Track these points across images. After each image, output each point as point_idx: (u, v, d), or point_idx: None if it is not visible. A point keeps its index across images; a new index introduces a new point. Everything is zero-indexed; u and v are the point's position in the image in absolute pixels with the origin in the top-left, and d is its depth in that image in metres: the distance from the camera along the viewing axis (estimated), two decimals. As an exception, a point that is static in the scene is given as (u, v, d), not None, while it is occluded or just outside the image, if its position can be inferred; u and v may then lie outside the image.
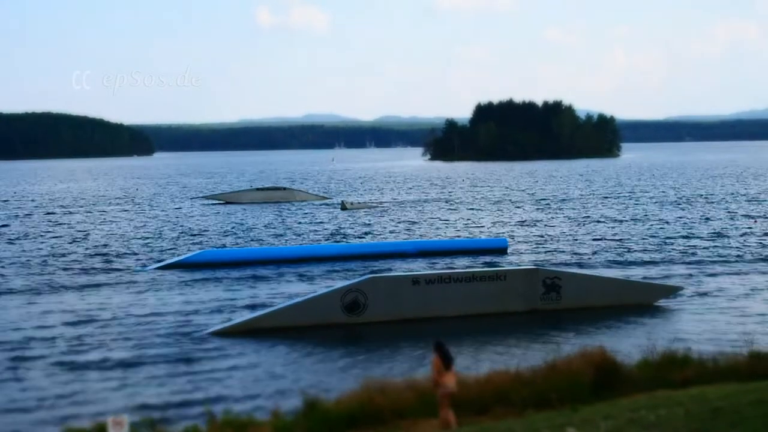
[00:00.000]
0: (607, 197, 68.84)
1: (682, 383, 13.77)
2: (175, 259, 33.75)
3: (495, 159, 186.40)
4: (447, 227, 46.96)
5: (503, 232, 42.99)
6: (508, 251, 35.52)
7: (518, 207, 60.59)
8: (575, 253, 34.84)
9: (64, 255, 36.50)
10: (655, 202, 62.24)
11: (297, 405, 13.63)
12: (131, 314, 23.59)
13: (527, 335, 20.73)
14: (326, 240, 41.28)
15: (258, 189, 75.34)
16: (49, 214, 60.52)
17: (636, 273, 29.51)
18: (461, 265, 32.05)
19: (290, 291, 26.89)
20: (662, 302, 23.93)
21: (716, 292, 25.73)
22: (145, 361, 18.60)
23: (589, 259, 33.31)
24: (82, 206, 68.04)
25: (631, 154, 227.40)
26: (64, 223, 52.19)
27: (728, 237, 39.76)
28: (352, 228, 46.60)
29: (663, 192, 74.37)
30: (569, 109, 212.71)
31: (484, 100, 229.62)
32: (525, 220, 49.86)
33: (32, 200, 77.24)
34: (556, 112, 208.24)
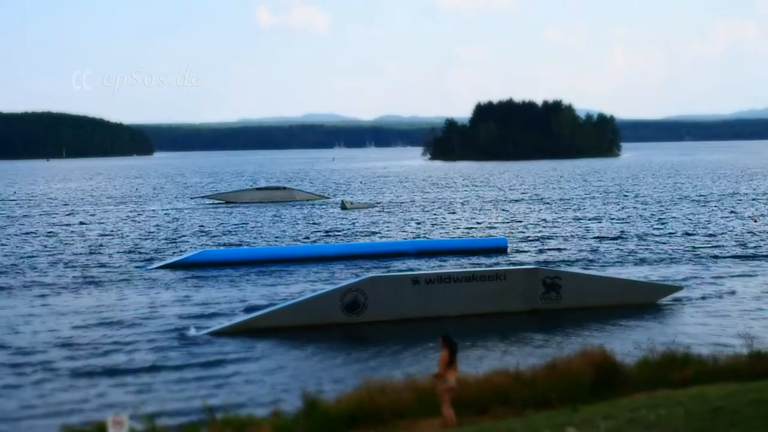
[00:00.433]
0: (607, 196, 68.83)
1: (682, 383, 13.76)
2: (175, 258, 33.75)
3: (495, 159, 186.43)
4: (447, 227, 46.95)
5: (503, 232, 42.96)
6: (508, 251, 35.52)
7: (518, 206, 60.58)
8: (575, 253, 34.83)
9: (63, 255, 36.49)
10: (655, 202, 62.24)
11: (297, 404, 13.62)
12: (130, 314, 23.57)
13: (527, 335, 20.72)
14: (326, 240, 41.27)
15: (258, 188, 75.35)
16: (48, 214, 60.50)
17: (636, 272, 29.50)
18: (461, 264, 32.04)
19: (290, 291, 26.88)
20: (662, 302, 23.92)
21: (716, 292, 25.72)
22: (144, 360, 18.59)
23: (590, 258, 33.29)
24: (81, 206, 68.01)
25: (631, 153, 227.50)
26: (64, 223, 52.17)
27: (729, 236, 39.74)
28: (352, 227, 46.60)
29: (662, 191, 74.37)
30: (569, 109, 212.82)
31: (484, 99, 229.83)
32: (525, 220, 49.85)
33: (31, 199, 77.23)
34: (556, 111, 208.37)
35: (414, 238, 40.99)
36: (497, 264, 31.67)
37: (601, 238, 39.72)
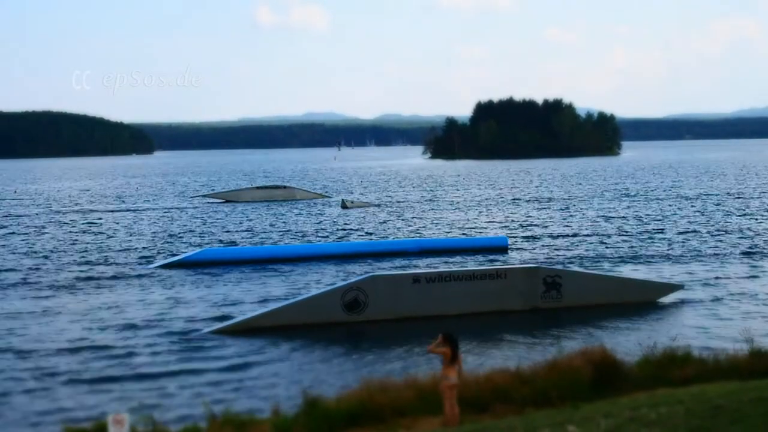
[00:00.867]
0: (607, 195, 68.82)
1: (683, 381, 13.76)
2: (176, 257, 33.73)
3: (495, 157, 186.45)
4: (447, 225, 46.94)
5: (503, 231, 42.96)
6: (509, 249, 35.51)
7: (518, 205, 60.59)
8: (576, 251, 34.83)
9: (63, 253, 36.49)
10: (656, 200, 62.24)
11: (297, 403, 13.62)
12: (131, 312, 23.58)
13: (528, 333, 20.72)
14: (326, 238, 41.27)
15: (258, 187, 75.32)
16: (47, 213, 60.50)
17: (637, 271, 29.50)
18: (462, 263, 32.03)
19: (290, 290, 26.88)
20: (663, 300, 23.92)
21: (717, 290, 25.72)
22: (144, 359, 18.60)
23: (590, 257, 33.29)
24: (81, 205, 68.02)
25: (631, 152, 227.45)
26: (63, 222, 52.18)
27: (729, 234, 39.73)
28: (353, 226, 46.60)
29: (663, 189, 74.35)
30: (569, 108, 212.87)
31: (484, 98, 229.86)
32: (525, 218, 49.84)
33: (31, 199, 77.26)
34: (557, 110, 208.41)
35: (414, 236, 40.98)
36: (498, 262, 31.67)
37: (601, 237, 39.70)
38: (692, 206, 56.52)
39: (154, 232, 45.18)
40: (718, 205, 57.39)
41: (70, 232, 46.19)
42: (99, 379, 17.16)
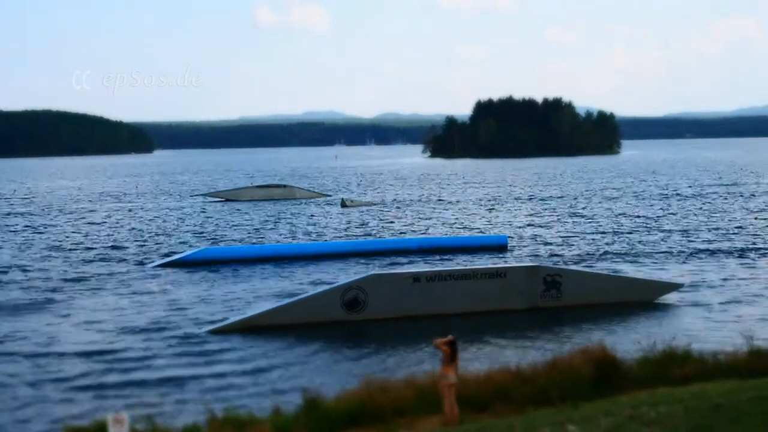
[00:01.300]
0: (607, 194, 68.83)
1: (683, 380, 13.77)
2: (176, 256, 33.73)
3: (495, 156, 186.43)
4: (447, 224, 46.94)
5: (503, 229, 42.95)
6: (508, 248, 35.51)
7: (518, 204, 60.59)
8: (576, 250, 34.84)
9: (62, 253, 36.49)
10: (656, 199, 62.24)
11: (297, 403, 13.63)
12: (130, 312, 23.58)
13: (528, 332, 20.73)
14: (326, 237, 41.26)
15: (258, 186, 75.31)
16: (47, 212, 60.50)
17: (636, 270, 29.50)
18: (461, 262, 32.03)
19: (290, 289, 26.88)
20: (663, 299, 23.93)
21: (717, 289, 25.73)
22: (145, 358, 18.60)
23: (590, 256, 33.30)
24: (80, 204, 68.02)
25: (631, 151, 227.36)
26: (63, 221, 52.18)
27: (729, 233, 39.74)
28: (352, 225, 46.60)
29: (663, 188, 74.35)
30: (569, 107, 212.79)
31: (484, 97, 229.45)
32: (525, 217, 49.85)
33: (31, 198, 77.23)
34: (556, 109, 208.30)
35: (414, 235, 40.98)
36: (498, 261, 31.67)
37: (601, 236, 39.71)
38: (692, 205, 56.51)
39: (154, 231, 45.18)
40: (717, 204, 57.38)
41: (69, 231, 46.18)
42: (98, 378, 17.15)
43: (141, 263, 33.16)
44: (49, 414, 14.94)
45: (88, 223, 50.94)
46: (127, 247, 38.15)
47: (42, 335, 20.93)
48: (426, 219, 50.21)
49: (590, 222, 46.44)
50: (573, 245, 36.56)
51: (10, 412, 15.13)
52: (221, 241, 40.69)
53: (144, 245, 39.02)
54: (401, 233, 42.51)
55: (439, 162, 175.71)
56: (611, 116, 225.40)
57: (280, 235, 42.92)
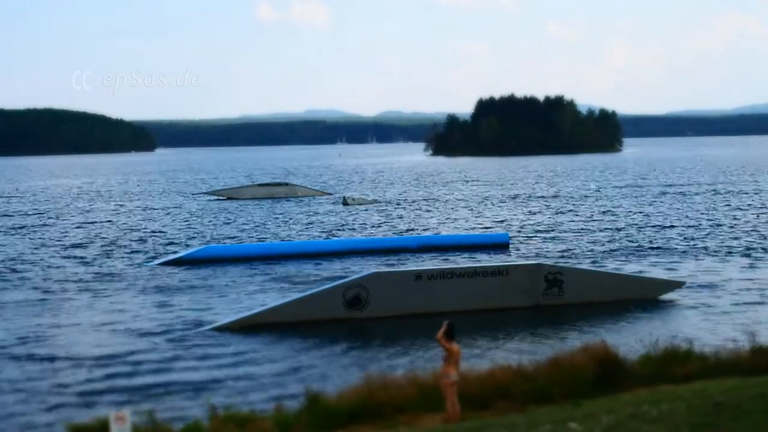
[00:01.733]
0: (608, 191, 68.79)
1: (684, 378, 13.77)
2: (178, 254, 33.75)
3: (497, 154, 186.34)
4: (449, 222, 46.95)
5: (505, 227, 42.95)
6: (510, 246, 35.51)
7: (520, 202, 60.57)
8: (577, 248, 34.83)
9: (63, 251, 36.52)
10: (658, 197, 62.20)
11: (299, 400, 13.64)
12: (132, 310, 23.60)
13: (529, 330, 20.74)
14: (327, 235, 41.27)
15: (260, 185, 75.30)
16: (47, 210, 60.52)
17: (638, 268, 29.50)
18: (463, 260, 32.03)
19: (292, 287, 26.90)
20: (664, 297, 23.92)
21: (719, 287, 25.71)
22: (147, 356, 18.61)
23: (592, 254, 33.29)
24: (82, 203, 68.04)
25: (633, 149, 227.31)
26: (65, 220, 52.20)
27: (731, 231, 39.72)
28: (354, 223, 46.60)
29: (665, 186, 74.30)
30: (571, 104, 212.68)
31: (485, 95, 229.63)
32: (527, 215, 49.84)
33: (31, 197, 77.26)
34: (558, 107, 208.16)
35: (416, 233, 40.99)
36: (499, 259, 31.66)
37: (603, 234, 39.70)
38: (694, 203, 56.47)
39: (156, 229, 45.20)
40: (720, 201, 57.33)
41: (71, 229, 46.20)
42: (101, 375, 17.17)
43: (144, 261, 33.17)
44: (51, 412, 14.95)
45: (90, 222, 50.95)
46: (130, 245, 38.16)
47: (42, 335, 20.95)
48: (427, 217, 50.21)
49: (592, 220, 46.42)
50: (574, 243, 36.55)
51: (10, 411, 15.13)
52: (223, 239, 40.70)
53: (147, 243, 39.03)
54: (403, 231, 42.51)
55: (441, 160, 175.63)
56: (613, 114, 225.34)
57: (282, 233, 42.92)
